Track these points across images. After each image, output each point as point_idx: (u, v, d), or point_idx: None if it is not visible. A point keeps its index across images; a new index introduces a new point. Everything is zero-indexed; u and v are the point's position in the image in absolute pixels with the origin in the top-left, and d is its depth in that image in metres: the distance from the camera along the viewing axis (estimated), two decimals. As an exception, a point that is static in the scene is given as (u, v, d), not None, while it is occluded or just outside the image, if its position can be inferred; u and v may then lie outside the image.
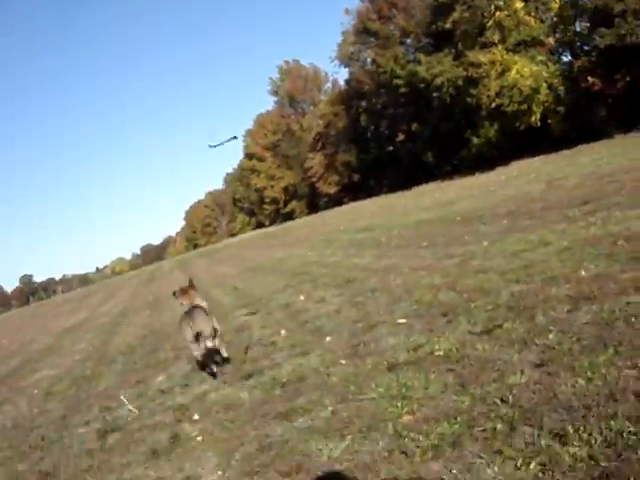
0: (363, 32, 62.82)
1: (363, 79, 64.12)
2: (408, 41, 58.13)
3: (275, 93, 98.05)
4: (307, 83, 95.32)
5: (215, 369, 8.23)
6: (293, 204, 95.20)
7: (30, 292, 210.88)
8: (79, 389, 10.55)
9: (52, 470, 6.35)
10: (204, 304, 8.71)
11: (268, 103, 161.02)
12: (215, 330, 8.31)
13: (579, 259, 7.88)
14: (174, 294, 9.18)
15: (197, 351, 8.24)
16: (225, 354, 8.55)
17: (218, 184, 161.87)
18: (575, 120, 39.31)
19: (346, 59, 67.00)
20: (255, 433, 5.54)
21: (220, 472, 4.93)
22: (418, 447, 4.18)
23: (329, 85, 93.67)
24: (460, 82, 46.38)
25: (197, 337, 8.03)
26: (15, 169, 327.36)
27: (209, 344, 8.06)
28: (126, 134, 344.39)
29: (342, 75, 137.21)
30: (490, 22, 43.77)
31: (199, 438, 5.92)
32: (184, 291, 8.95)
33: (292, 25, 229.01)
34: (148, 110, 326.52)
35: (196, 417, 6.65)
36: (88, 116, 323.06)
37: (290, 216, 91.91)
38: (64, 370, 13.39)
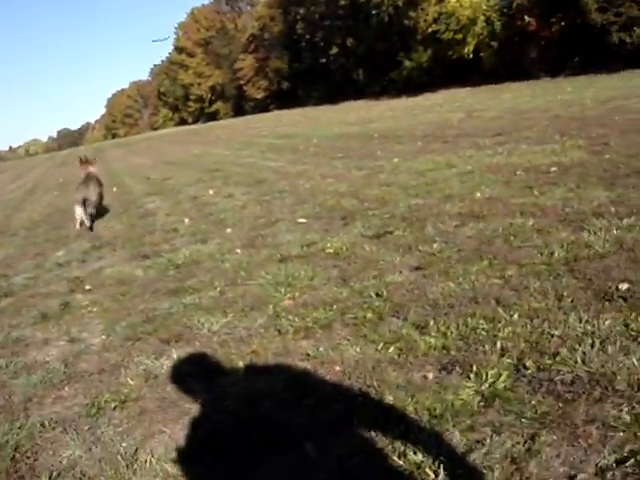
0: None
1: (305, -15, 62.81)
2: (353, -51, 56.80)
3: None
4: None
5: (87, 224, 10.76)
6: (218, 105, 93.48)
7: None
8: (-23, 258, 10.46)
9: (-61, 327, 6.38)
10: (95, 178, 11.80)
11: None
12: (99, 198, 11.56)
13: (478, 183, 8.24)
14: (80, 160, 12.48)
15: (79, 210, 10.81)
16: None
17: (144, 75, 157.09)
18: (506, 57, 39.57)
19: (288, -38, 65.25)
20: (143, 306, 5.73)
21: (104, 337, 5.11)
22: (292, 327, 4.47)
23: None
24: (400, 2, 45.92)
25: (84, 202, 10.73)
26: None
27: (90, 210, 10.84)
28: (53, 10, 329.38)
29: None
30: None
31: (89, 307, 6.06)
32: (84, 162, 12.38)
33: None
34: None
35: (89, 288, 6.79)
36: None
37: (214, 116, 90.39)
38: (-37, 239, 13.18)
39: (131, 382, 4.09)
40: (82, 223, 10.86)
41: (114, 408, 3.80)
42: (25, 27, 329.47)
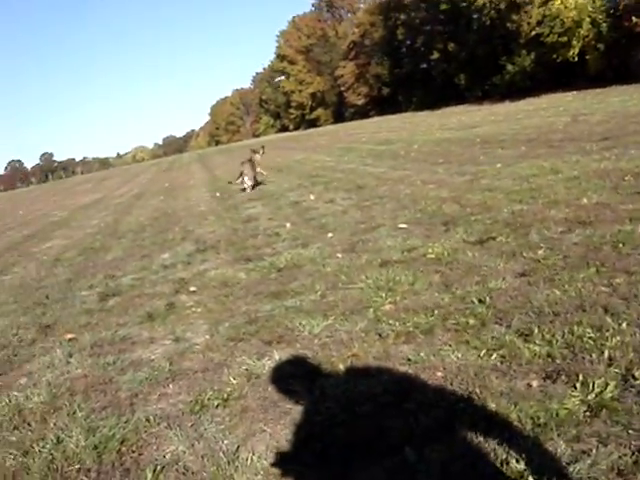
0: (411, -60, 60.86)
1: (405, -9, 62.52)
2: (456, -44, 56.10)
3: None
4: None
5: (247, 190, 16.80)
6: (319, 111, 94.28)
7: (50, 170, 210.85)
8: (87, 258, 10.87)
9: (52, 323, 6.67)
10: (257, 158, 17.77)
11: (305, 6, 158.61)
12: (254, 174, 17.22)
13: (584, 188, 8.02)
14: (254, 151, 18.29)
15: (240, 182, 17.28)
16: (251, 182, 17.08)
17: (246, 83, 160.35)
18: (613, 59, 38.35)
19: (391, -32, 65.10)
20: (246, 308, 5.85)
21: (208, 337, 5.24)
22: (393, 331, 4.46)
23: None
24: (502, 5, 45.00)
25: (241, 174, 17.24)
26: (46, 49, 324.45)
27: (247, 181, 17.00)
28: (160, 21, 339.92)
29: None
30: (541, -55, 42.20)
31: (193, 308, 6.23)
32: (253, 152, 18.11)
33: None
34: (180, 2, 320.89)
35: (193, 290, 6.97)
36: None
37: (315, 123, 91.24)
38: (75, 241, 13.73)
39: (234, 381, 4.18)
40: (245, 189, 16.99)
41: (217, 406, 3.90)
42: (132, 39, 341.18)
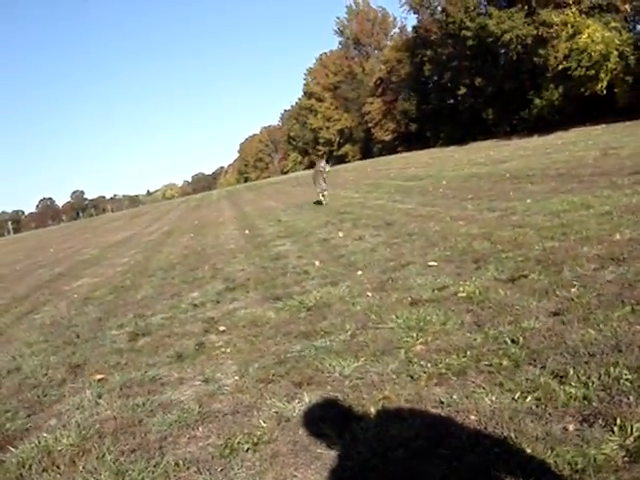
0: (436, -22, 61.45)
1: (431, 27, 62.84)
2: (481, -9, 56.42)
3: (341, 33, 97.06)
4: (374, 26, 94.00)
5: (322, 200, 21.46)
6: (347, 147, 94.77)
7: (80, 208, 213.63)
8: (117, 297, 10.93)
9: (82, 363, 6.67)
10: (323, 168, 22.37)
11: (332, 43, 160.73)
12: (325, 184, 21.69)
13: (616, 224, 7.93)
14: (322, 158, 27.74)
15: (318, 190, 21.86)
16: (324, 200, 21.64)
17: (274, 120, 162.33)
18: (642, 92, 38.26)
19: (416, 5, 65.36)
20: (275, 348, 5.80)
21: (237, 378, 5.20)
22: (425, 373, 4.40)
23: (396, 30, 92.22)
24: (529, 40, 45.18)
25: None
26: (77, 88, 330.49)
27: (323, 186, 21.64)
28: (189, 61, 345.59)
29: (410, 21, 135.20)
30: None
31: (223, 348, 6.20)
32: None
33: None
34: (208, 42, 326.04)
35: (223, 329, 6.94)
36: (146, 41, 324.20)
37: (343, 159, 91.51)
38: (105, 279, 13.82)
39: (264, 424, 4.13)
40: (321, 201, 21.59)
41: (247, 450, 3.84)
42: (162, 78, 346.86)
